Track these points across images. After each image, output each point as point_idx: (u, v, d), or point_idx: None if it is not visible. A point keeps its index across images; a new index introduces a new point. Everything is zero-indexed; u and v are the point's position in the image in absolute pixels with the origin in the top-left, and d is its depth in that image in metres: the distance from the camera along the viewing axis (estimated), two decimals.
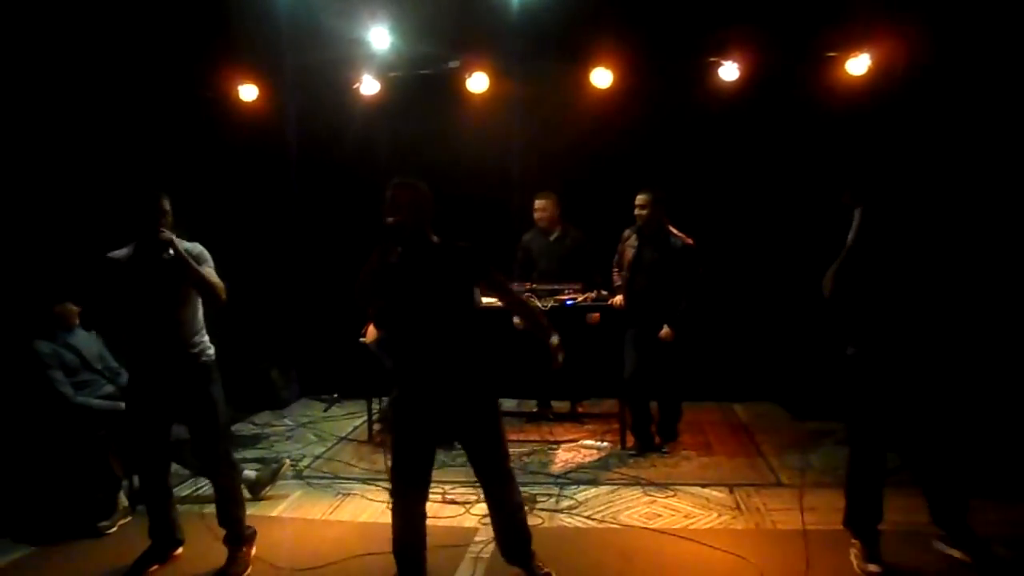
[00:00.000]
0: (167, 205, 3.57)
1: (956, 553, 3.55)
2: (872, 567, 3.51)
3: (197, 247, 3.67)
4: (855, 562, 3.60)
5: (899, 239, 3.41)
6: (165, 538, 3.78)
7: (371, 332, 5.87)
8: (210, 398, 3.68)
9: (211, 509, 3.85)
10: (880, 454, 3.57)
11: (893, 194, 3.49)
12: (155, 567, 3.74)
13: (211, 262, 3.69)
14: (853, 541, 3.66)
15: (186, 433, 3.84)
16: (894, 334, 3.44)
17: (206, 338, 3.75)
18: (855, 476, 3.64)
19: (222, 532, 3.76)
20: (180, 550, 3.85)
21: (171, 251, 3.42)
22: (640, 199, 5.14)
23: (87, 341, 4.56)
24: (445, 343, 3.18)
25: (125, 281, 3.56)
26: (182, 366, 3.62)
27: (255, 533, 3.85)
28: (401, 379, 3.28)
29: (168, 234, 3.45)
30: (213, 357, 3.75)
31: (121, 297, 3.59)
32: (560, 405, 6.35)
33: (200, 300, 3.68)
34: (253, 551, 3.81)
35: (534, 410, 6.34)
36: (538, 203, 5.90)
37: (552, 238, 5.91)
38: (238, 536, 3.74)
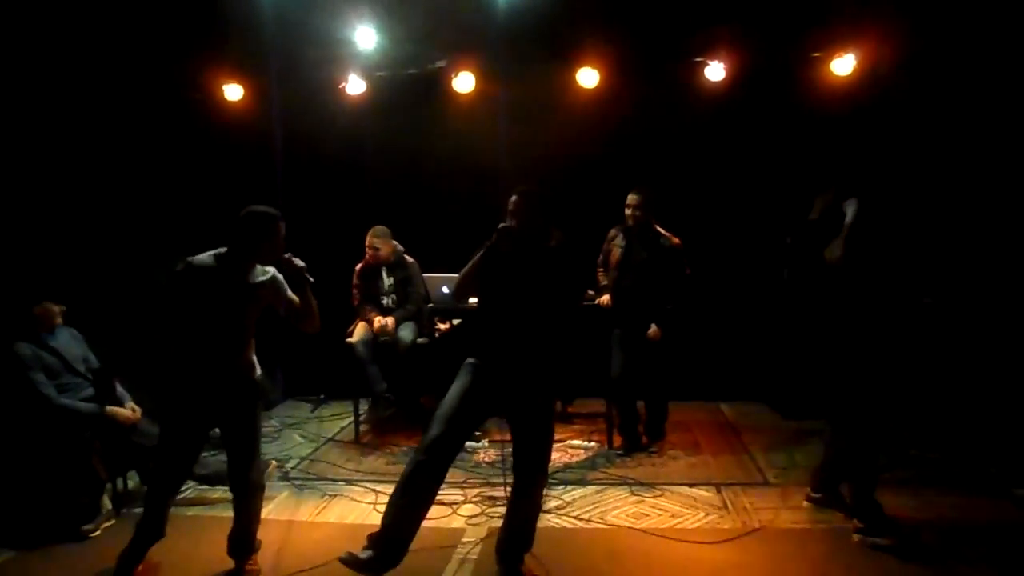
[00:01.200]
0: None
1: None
2: (883, 540, 3.67)
3: (278, 275, 3.63)
4: (880, 541, 3.68)
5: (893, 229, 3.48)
6: (152, 530, 3.64)
7: (357, 332, 5.86)
8: (254, 418, 3.63)
9: (215, 512, 3.90)
10: (877, 437, 3.75)
11: (887, 187, 3.55)
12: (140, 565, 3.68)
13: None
14: (859, 525, 3.76)
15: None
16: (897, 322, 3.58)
17: (255, 356, 3.68)
18: (858, 464, 3.76)
19: (221, 535, 3.72)
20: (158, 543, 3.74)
21: (308, 276, 3.53)
22: (631, 199, 5.14)
23: (69, 342, 4.51)
24: (534, 331, 3.43)
25: (205, 290, 3.44)
26: (234, 382, 3.56)
27: (260, 543, 3.81)
28: (481, 350, 3.50)
29: (298, 260, 3.53)
30: (260, 375, 3.69)
31: (195, 305, 3.47)
32: None
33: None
34: (258, 559, 3.78)
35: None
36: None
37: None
38: (249, 549, 3.72)
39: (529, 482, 3.48)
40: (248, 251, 3.48)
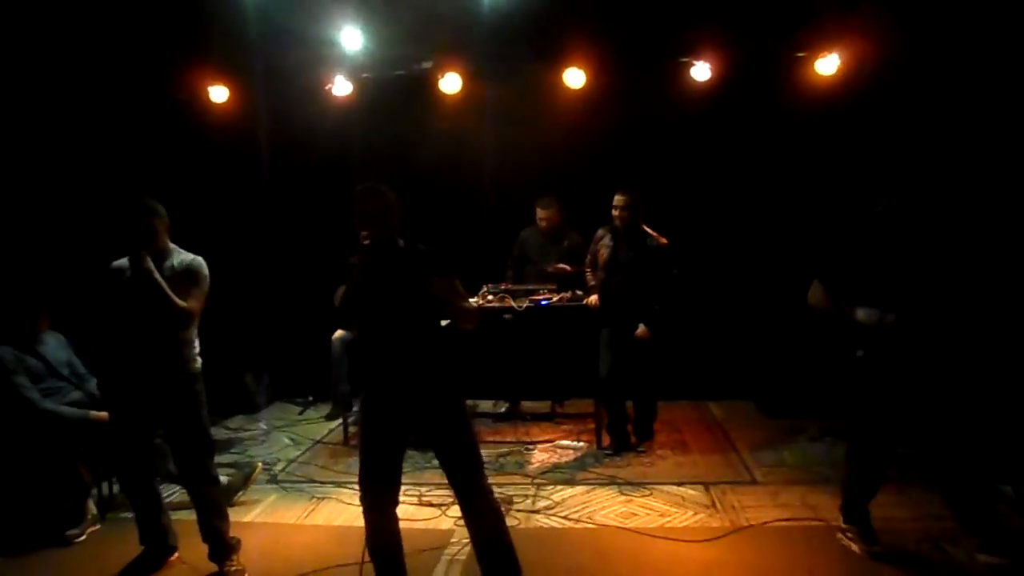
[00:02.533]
0: (157, 222, 3.59)
1: (993, 559, 3.46)
2: (876, 547, 3.62)
3: (193, 264, 3.66)
4: (854, 547, 3.68)
5: (920, 240, 3.43)
6: (158, 545, 3.74)
7: (339, 331, 5.83)
8: (192, 409, 3.66)
9: (180, 516, 3.86)
10: (887, 453, 3.63)
11: (917, 195, 3.51)
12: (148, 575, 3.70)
13: (200, 280, 3.66)
14: (846, 526, 3.75)
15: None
16: (908, 335, 3.44)
17: (195, 349, 3.72)
18: (858, 473, 3.71)
19: (195, 540, 3.72)
20: (175, 556, 3.81)
21: (140, 264, 3.47)
22: (618, 200, 5.14)
23: (54, 347, 4.48)
24: (411, 345, 3.18)
25: (122, 289, 3.56)
26: (166, 374, 3.60)
27: (240, 542, 3.80)
28: (369, 381, 3.26)
29: (147, 261, 3.47)
30: (199, 368, 3.72)
31: (116, 304, 3.60)
32: (540, 406, 6.34)
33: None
34: (242, 560, 3.76)
35: (501, 411, 6.33)
36: (542, 212, 5.88)
37: (550, 241, 5.94)
38: (224, 548, 3.71)
39: (474, 496, 3.21)
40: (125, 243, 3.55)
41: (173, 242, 3.73)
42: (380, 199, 3.19)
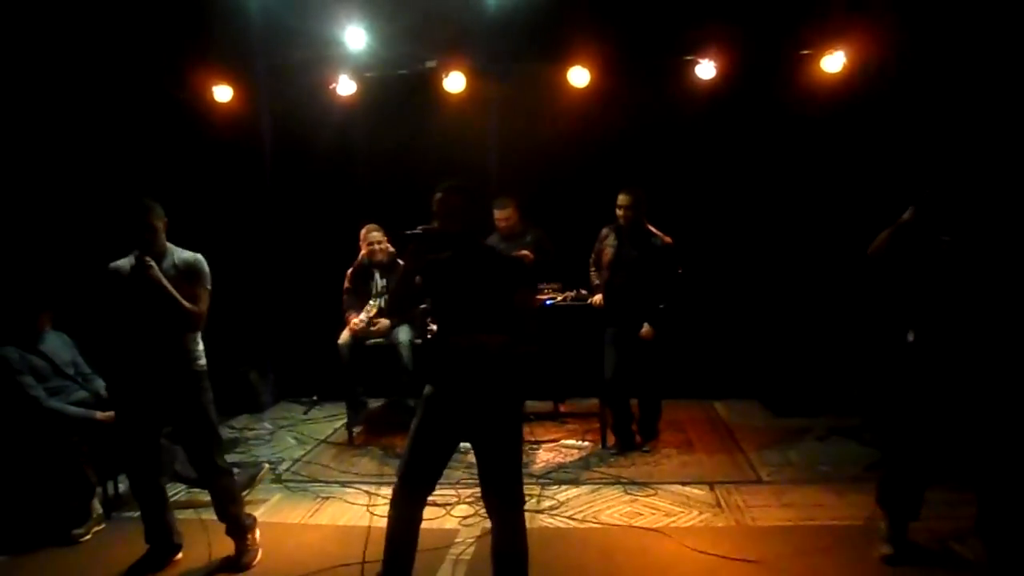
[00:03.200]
0: (157, 221, 3.60)
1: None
2: (886, 548, 3.57)
3: (194, 261, 3.67)
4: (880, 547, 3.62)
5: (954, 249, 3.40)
6: (163, 543, 3.77)
7: (344, 334, 5.83)
8: (200, 406, 3.70)
9: (208, 514, 3.87)
10: (923, 446, 3.54)
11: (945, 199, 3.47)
12: (153, 574, 3.72)
13: (204, 278, 3.68)
14: (882, 516, 3.67)
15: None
16: (953, 326, 3.40)
17: (199, 347, 3.75)
18: (895, 466, 3.64)
19: (220, 536, 3.81)
20: (180, 555, 3.83)
21: (147, 273, 3.49)
22: (622, 199, 5.13)
23: (58, 346, 4.49)
24: (488, 350, 3.12)
25: (125, 291, 3.58)
26: (173, 373, 3.63)
27: (256, 520, 3.91)
28: (437, 378, 3.21)
29: (156, 272, 3.50)
30: (204, 366, 3.75)
31: (120, 306, 3.63)
32: (542, 405, 6.33)
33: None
34: (258, 536, 3.87)
35: None
36: (500, 213, 5.83)
37: (514, 239, 5.93)
38: (240, 527, 3.80)
39: (505, 507, 3.15)
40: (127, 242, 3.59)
41: (179, 242, 3.73)
42: (462, 194, 3.17)
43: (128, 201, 3.58)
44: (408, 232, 3.12)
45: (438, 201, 3.14)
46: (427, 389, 3.22)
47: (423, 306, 5.80)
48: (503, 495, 3.14)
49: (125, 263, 3.62)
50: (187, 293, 3.58)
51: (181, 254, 3.67)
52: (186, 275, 3.62)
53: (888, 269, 3.54)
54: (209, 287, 3.69)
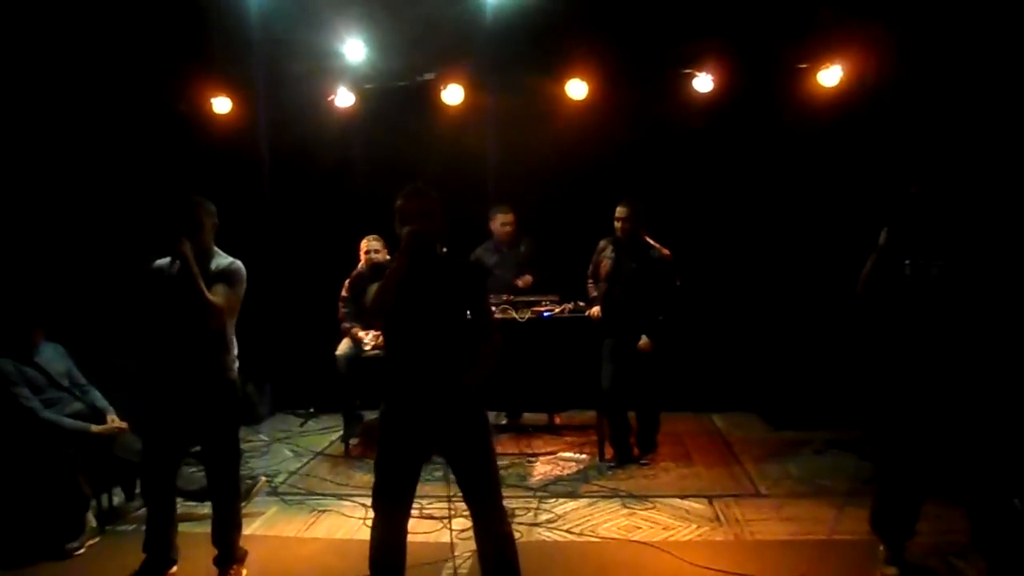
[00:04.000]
0: (205, 218, 3.62)
1: None
2: (890, 570, 3.53)
3: (231, 267, 3.65)
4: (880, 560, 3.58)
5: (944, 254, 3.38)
6: (159, 555, 3.71)
7: (342, 346, 5.81)
8: (230, 418, 3.67)
9: (202, 528, 3.82)
10: (914, 468, 3.50)
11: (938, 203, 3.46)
12: None
13: (235, 282, 3.64)
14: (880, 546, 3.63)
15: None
16: (930, 350, 3.38)
17: (233, 353, 3.71)
18: (886, 488, 3.60)
19: (194, 552, 3.73)
20: (174, 569, 3.77)
21: (178, 262, 3.47)
22: (620, 211, 5.13)
23: (54, 358, 4.47)
24: (443, 357, 3.06)
25: (165, 289, 3.56)
26: (205, 381, 3.60)
27: (247, 554, 3.80)
28: (392, 391, 3.15)
29: (186, 247, 3.45)
30: (236, 376, 3.71)
31: (159, 306, 3.60)
32: (541, 417, 6.31)
33: (234, 316, 3.68)
34: (244, 572, 3.77)
35: (502, 422, 6.29)
36: (503, 218, 5.91)
37: (509, 249, 5.95)
38: (231, 558, 3.72)
39: (487, 512, 3.11)
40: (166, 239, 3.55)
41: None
42: (425, 199, 3.08)
43: (179, 195, 3.59)
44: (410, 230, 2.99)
45: (412, 203, 3.04)
46: (382, 406, 3.16)
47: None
48: (479, 500, 3.11)
49: (166, 262, 3.58)
50: (216, 292, 3.57)
51: (223, 259, 3.65)
52: (220, 277, 3.59)
53: (876, 306, 3.53)
54: (240, 293, 3.66)
